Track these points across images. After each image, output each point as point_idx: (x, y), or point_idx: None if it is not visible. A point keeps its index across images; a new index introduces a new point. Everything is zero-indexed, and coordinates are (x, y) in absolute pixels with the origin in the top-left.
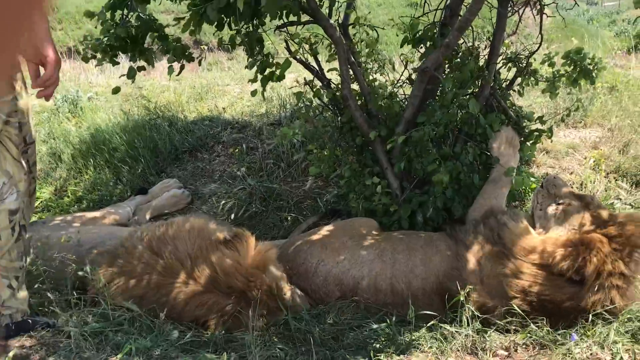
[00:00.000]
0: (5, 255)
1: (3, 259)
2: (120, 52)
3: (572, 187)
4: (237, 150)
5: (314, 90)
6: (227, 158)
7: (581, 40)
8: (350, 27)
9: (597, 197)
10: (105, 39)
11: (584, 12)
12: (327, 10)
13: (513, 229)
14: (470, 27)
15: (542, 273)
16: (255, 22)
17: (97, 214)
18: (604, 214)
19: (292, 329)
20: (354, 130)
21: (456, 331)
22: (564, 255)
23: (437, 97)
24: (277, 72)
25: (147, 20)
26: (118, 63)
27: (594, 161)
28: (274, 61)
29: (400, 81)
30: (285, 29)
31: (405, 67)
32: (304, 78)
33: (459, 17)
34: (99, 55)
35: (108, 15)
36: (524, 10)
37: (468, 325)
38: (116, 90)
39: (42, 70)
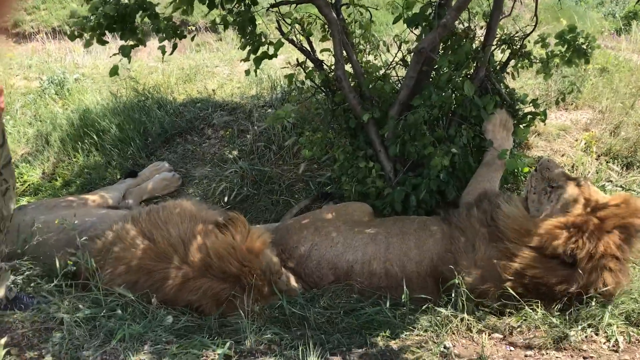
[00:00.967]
0: None
1: None
2: (107, 32)
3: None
4: (227, 132)
5: (307, 71)
6: (218, 141)
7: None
8: (343, 8)
9: (589, 179)
10: (93, 17)
11: None
12: None
13: (507, 212)
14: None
15: (535, 256)
16: (247, 1)
17: (86, 197)
18: (597, 196)
19: (286, 313)
20: (347, 112)
21: (451, 314)
22: (557, 237)
23: (431, 79)
24: (270, 51)
25: None
26: (106, 42)
27: (585, 143)
28: (268, 41)
29: (394, 62)
30: (277, 9)
31: (399, 49)
32: (296, 59)
33: None
34: (86, 35)
35: None
36: None
37: (463, 308)
38: (114, 71)
39: None
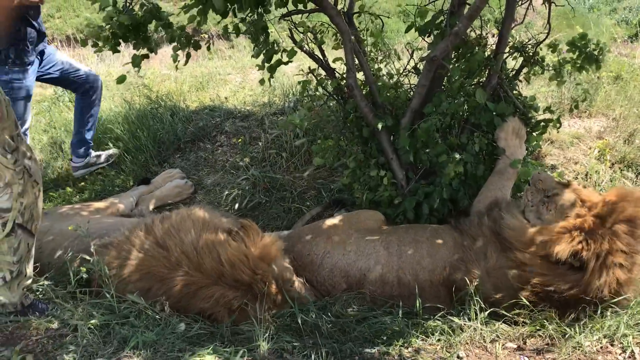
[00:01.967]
0: None
1: None
2: (122, 41)
3: (578, 180)
4: (239, 140)
5: (318, 79)
6: (230, 148)
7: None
8: (355, 16)
9: (580, 181)
10: (108, 26)
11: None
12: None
13: (508, 224)
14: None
15: (543, 263)
16: (260, 10)
17: (99, 204)
18: (592, 196)
19: (299, 321)
20: (359, 120)
21: (464, 324)
22: (559, 242)
23: (443, 87)
24: (284, 59)
25: (151, 8)
26: (119, 51)
27: (598, 151)
28: (281, 49)
29: (405, 70)
30: (289, 17)
31: (411, 56)
32: (308, 67)
33: (467, 5)
34: (100, 43)
35: (110, 1)
36: None
37: (476, 317)
38: (121, 80)
39: None
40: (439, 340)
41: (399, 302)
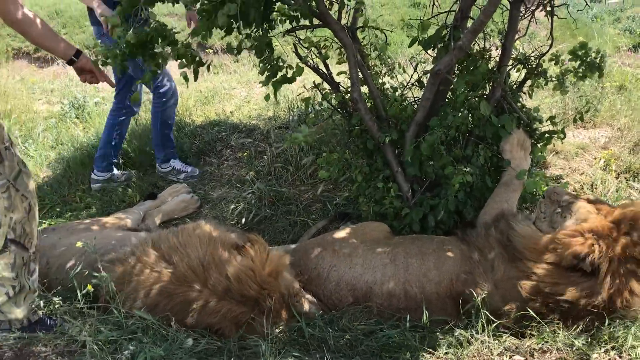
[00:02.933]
0: None
1: None
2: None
3: (584, 190)
4: (245, 154)
5: (323, 93)
6: (236, 162)
7: (587, 38)
8: (358, 30)
9: (586, 191)
10: (116, 44)
11: (588, 10)
12: (336, 14)
13: (521, 232)
14: None
15: (555, 270)
16: (265, 26)
17: (106, 219)
18: (606, 206)
19: (306, 335)
20: (364, 133)
21: (471, 336)
22: (571, 245)
23: (447, 100)
24: (289, 75)
25: (158, 26)
26: (128, 68)
27: (604, 162)
28: (286, 64)
29: (409, 84)
30: (294, 33)
31: (415, 70)
32: (313, 82)
33: (471, 19)
34: (110, 62)
35: (119, 21)
36: (535, 11)
37: (483, 330)
38: (135, 99)
39: None
40: (446, 353)
41: (406, 315)
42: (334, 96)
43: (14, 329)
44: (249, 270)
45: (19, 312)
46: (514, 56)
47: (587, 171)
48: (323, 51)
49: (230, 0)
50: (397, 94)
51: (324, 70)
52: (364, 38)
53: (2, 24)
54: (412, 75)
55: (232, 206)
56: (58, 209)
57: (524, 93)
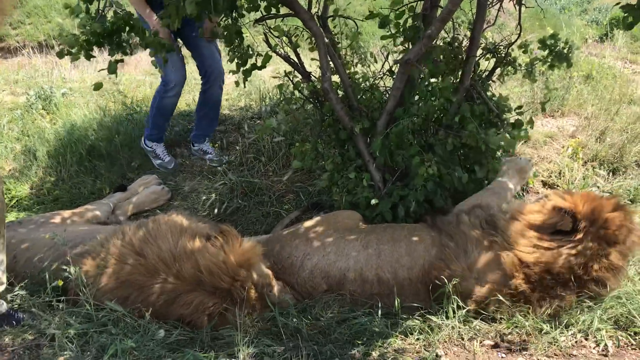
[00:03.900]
0: None
1: None
2: (96, 47)
3: (550, 177)
4: (217, 145)
5: (294, 83)
6: None
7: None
8: (329, 19)
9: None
10: (81, 33)
11: (556, 1)
12: (306, 3)
13: (506, 207)
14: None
15: (536, 237)
16: (234, 14)
17: (75, 212)
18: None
19: (279, 324)
20: (336, 123)
21: (442, 322)
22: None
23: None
24: (259, 63)
25: (124, 15)
26: (93, 57)
27: (571, 150)
28: (256, 53)
29: (381, 73)
30: (264, 22)
31: (386, 59)
32: (284, 71)
33: (440, 8)
34: (74, 51)
35: (83, 8)
36: (503, 0)
37: (454, 315)
38: (98, 87)
39: None
40: (418, 339)
41: (379, 301)
42: (305, 85)
43: None
44: (221, 261)
45: None
46: (483, 45)
47: (555, 159)
48: (294, 40)
49: None
50: (368, 83)
51: (295, 59)
52: (334, 27)
53: None
54: (382, 65)
55: (204, 197)
56: (25, 202)
57: (494, 81)
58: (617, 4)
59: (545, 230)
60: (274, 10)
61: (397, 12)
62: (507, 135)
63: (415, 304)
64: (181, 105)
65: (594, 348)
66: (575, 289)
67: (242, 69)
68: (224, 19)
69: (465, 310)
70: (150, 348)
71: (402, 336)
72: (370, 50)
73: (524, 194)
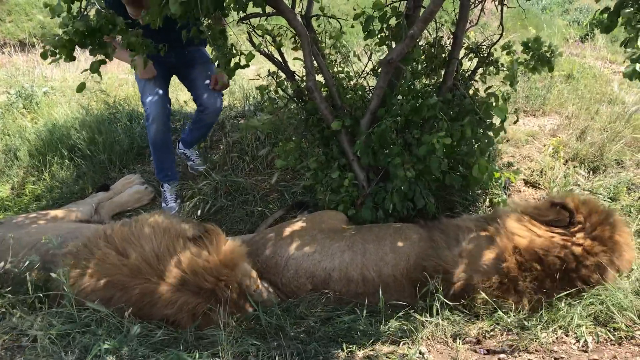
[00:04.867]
0: None
1: None
2: (78, 47)
3: (531, 175)
4: (200, 144)
5: (278, 81)
6: None
7: (537, 28)
8: (313, 19)
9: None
10: (63, 33)
11: (538, 1)
12: (290, 2)
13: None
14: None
15: (532, 223)
16: (218, 14)
17: (57, 212)
18: None
19: (263, 324)
20: (320, 122)
21: (426, 320)
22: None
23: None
24: (242, 62)
25: (106, 14)
26: (75, 58)
27: (552, 148)
28: (239, 52)
29: (364, 72)
30: (248, 20)
31: (370, 59)
32: (268, 70)
33: (423, 8)
34: (57, 51)
35: (64, 7)
36: (485, 0)
37: (437, 313)
38: (81, 88)
39: None
40: (401, 337)
41: (364, 300)
42: (289, 85)
43: None
44: (205, 261)
45: None
46: (465, 45)
47: (537, 158)
48: (277, 39)
49: None
50: (351, 82)
51: (279, 58)
52: (318, 27)
53: None
54: (366, 64)
55: (188, 197)
56: (7, 202)
57: (476, 81)
58: (598, 7)
59: (542, 221)
60: (258, 9)
61: (380, 13)
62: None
63: (400, 302)
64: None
65: (574, 344)
66: (561, 284)
67: (225, 68)
68: (207, 19)
69: (448, 307)
70: (133, 348)
71: (386, 334)
72: (354, 49)
73: (507, 192)
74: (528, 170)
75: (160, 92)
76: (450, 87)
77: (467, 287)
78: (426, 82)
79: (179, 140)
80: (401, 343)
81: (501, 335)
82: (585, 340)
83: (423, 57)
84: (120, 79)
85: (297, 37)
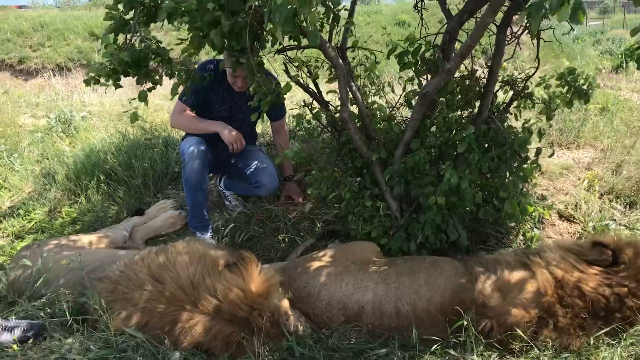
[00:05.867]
0: None
1: None
2: (123, 76)
3: (566, 209)
4: None
5: (313, 112)
6: None
7: (569, 58)
8: (348, 50)
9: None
10: (109, 62)
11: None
12: (327, 35)
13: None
14: None
15: (576, 259)
16: (256, 45)
17: (92, 236)
18: None
19: (296, 354)
20: (353, 152)
21: (461, 356)
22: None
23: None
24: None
25: (151, 44)
26: (121, 86)
27: (587, 182)
28: (275, 84)
29: (397, 104)
30: (284, 52)
31: (404, 90)
32: (303, 100)
33: (458, 42)
34: (102, 80)
35: (111, 38)
36: (521, 35)
37: (472, 350)
38: (134, 118)
39: None
40: None
41: (397, 334)
42: (324, 115)
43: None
44: (240, 289)
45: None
46: (500, 78)
47: (571, 191)
48: (313, 70)
49: (225, 19)
50: (385, 113)
51: (314, 89)
52: (353, 58)
53: None
54: (400, 96)
55: (221, 223)
56: (44, 225)
57: (511, 113)
58: (631, 40)
59: (584, 259)
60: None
61: (415, 47)
62: (525, 166)
63: (434, 337)
64: None
65: None
66: (602, 324)
67: (263, 100)
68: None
69: (482, 344)
70: None
71: None
72: (387, 79)
73: (541, 226)
74: (562, 204)
75: (202, 147)
76: (485, 120)
77: (504, 322)
78: (460, 114)
79: (220, 177)
80: None
81: None
82: None
83: (458, 89)
84: (156, 104)
85: (332, 69)
